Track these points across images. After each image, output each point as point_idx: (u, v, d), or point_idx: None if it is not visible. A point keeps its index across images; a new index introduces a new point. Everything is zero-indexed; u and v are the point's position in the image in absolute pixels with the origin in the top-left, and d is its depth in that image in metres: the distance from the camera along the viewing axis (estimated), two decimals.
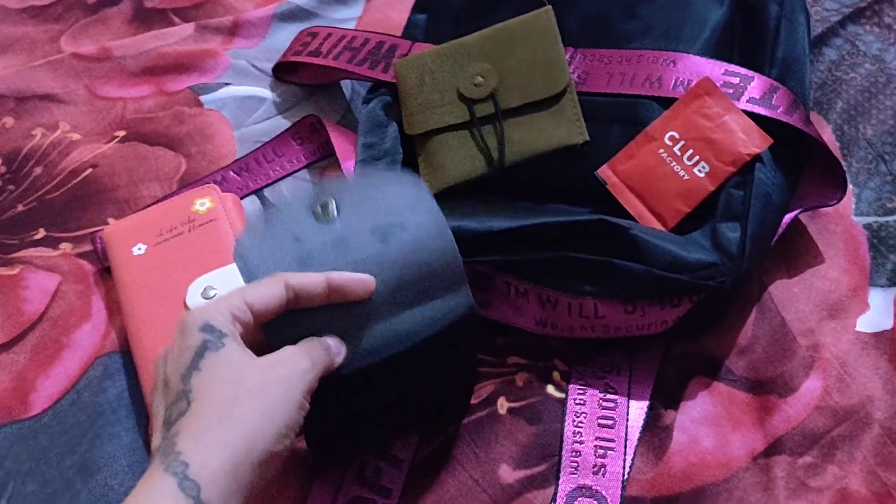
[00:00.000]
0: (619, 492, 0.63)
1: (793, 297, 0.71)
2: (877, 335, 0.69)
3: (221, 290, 0.72)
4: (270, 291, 0.52)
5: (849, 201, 0.76)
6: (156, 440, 0.48)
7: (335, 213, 0.57)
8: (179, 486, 0.44)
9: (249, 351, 0.50)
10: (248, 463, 0.46)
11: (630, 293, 0.64)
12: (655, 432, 0.66)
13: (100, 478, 0.67)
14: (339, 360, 0.53)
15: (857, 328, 0.70)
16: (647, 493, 0.63)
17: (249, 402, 0.47)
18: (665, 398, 0.68)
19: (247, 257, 0.56)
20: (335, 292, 0.53)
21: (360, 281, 0.54)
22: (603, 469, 0.64)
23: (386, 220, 0.57)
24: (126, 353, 0.73)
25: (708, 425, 0.66)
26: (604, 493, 0.63)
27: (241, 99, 0.90)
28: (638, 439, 0.65)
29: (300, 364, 0.50)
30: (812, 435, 0.65)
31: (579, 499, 0.63)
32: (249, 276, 0.55)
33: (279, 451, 0.48)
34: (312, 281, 0.53)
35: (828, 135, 0.80)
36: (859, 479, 0.63)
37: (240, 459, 0.46)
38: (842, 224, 0.75)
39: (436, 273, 0.56)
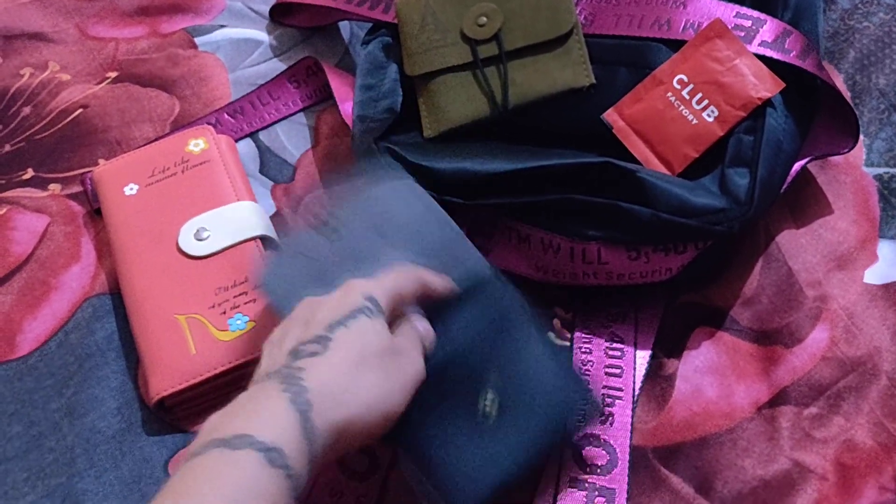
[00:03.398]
0: (628, 441, 0.61)
1: (800, 247, 0.70)
2: (885, 287, 0.68)
3: (214, 232, 0.70)
4: (413, 287, 0.56)
5: (859, 151, 0.74)
6: (271, 362, 0.50)
7: (337, 227, 0.62)
8: (292, 400, 0.46)
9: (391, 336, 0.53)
10: (351, 430, 0.48)
11: (635, 238, 0.62)
12: (657, 381, 0.65)
13: (87, 420, 0.65)
14: (427, 345, 0.56)
15: (866, 280, 0.68)
16: (649, 442, 0.62)
17: (373, 376, 0.50)
18: (667, 347, 0.66)
19: (271, 288, 0.61)
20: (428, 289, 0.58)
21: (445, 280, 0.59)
22: (611, 418, 0.62)
23: (382, 221, 0.61)
24: (116, 294, 0.71)
25: (711, 375, 0.65)
26: (612, 442, 0.61)
27: (236, 41, 0.88)
28: (640, 388, 0.64)
29: (418, 361, 0.53)
30: (818, 386, 0.64)
31: (587, 448, 0.61)
32: (279, 305, 0.58)
33: (374, 434, 0.50)
34: (437, 280, 0.58)
35: (840, 84, 0.78)
36: (865, 430, 0.61)
37: (347, 423, 0.48)
38: (852, 174, 0.73)
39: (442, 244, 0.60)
